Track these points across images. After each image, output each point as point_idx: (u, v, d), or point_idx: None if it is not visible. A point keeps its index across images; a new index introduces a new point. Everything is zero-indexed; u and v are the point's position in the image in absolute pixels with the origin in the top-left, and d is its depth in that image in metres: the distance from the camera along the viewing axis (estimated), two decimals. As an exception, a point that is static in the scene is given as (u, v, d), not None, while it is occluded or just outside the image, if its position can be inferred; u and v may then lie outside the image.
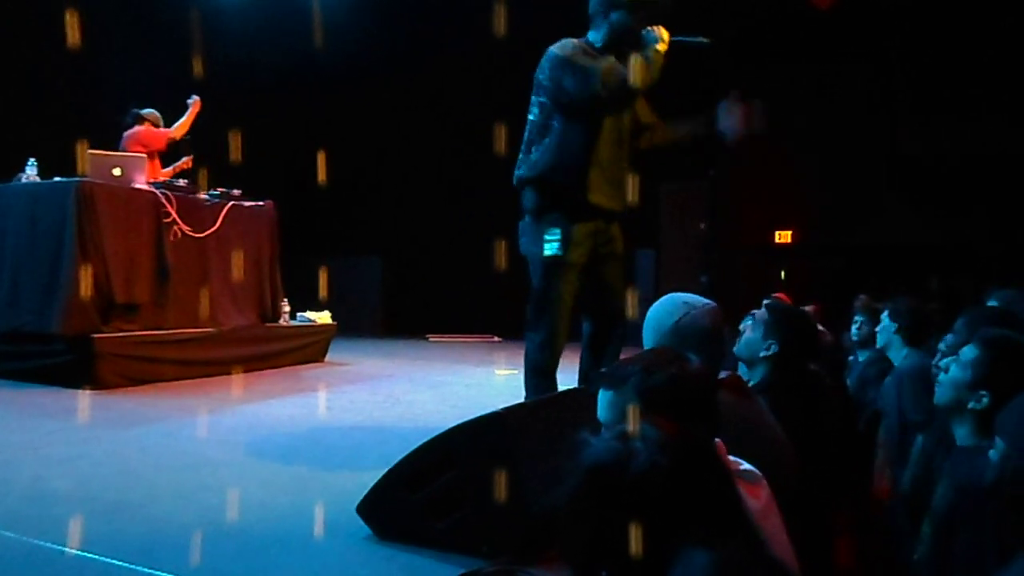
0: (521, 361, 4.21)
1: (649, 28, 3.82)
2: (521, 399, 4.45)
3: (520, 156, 3.98)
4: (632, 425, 1.20)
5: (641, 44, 3.78)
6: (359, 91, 11.26)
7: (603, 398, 1.72)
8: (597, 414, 1.74)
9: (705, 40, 3.96)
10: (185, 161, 7.31)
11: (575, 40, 3.88)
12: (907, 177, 10.17)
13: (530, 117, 3.95)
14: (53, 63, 8.11)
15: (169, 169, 7.19)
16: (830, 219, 10.58)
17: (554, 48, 3.86)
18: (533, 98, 3.95)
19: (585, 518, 1.15)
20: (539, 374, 3.95)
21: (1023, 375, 2.00)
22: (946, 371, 2.19)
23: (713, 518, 1.14)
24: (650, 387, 1.63)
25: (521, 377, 4.51)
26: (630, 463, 1.12)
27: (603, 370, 1.76)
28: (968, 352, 2.14)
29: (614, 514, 1.11)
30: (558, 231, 3.83)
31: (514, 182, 4.01)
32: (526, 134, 3.96)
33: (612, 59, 3.76)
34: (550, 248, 3.83)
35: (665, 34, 3.81)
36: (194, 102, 7.13)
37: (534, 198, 3.89)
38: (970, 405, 2.10)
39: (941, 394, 2.19)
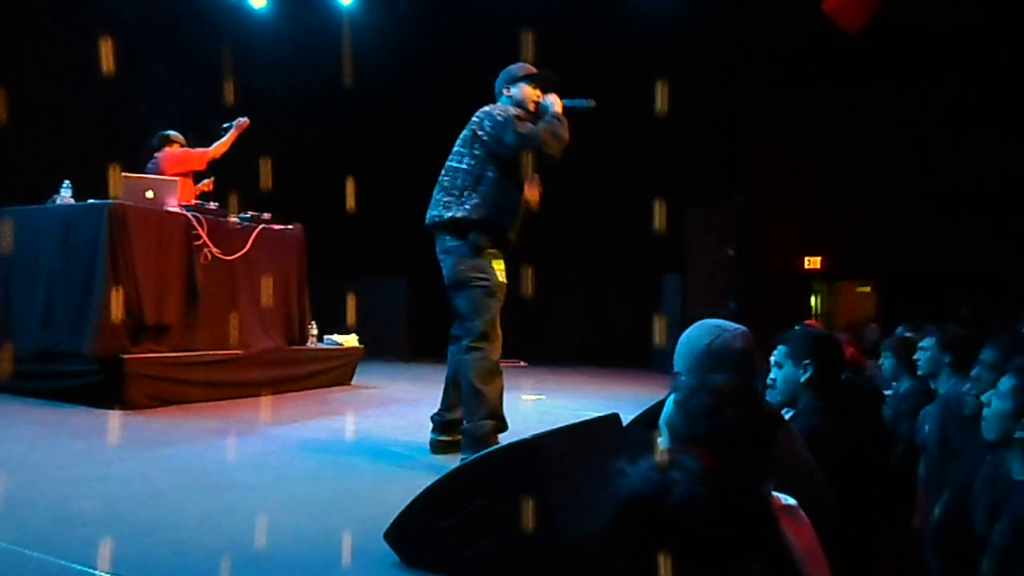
0: (549, 386, 4.34)
1: (543, 97, 4.57)
2: (549, 425, 4.44)
3: (444, 197, 4.53)
4: (668, 456, 1.17)
5: (540, 111, 4.54)
6: (386, 116, 11.35)
7: (669, 405, 1.70)
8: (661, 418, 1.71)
9: (591, 103, 4.60)
10: (206, 183, 7.35)
11: (503, 105, 4.58)
12: (937, 202, 10.06)
13: (461, 166, 4.52)
14: (88, 89, 8.25)
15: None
16: (860, 244, 10.47)
17: (493, 112, 4.51)
18: (462, 149, 4.55)
19: (619, 549, 1.12)
20: (494, 377, 4.45)
21: None
22: (988, 405, 2.17)
23: (752, 554, 1.10)
24: (714, 426, 1.60)
25: (549, 401, 4.56)
26: (668, 494, 1.09)
27: (683, 378, 1.73)
28: (1005, 382, 2.16)
29: (650, 546, 1.07)
30: (501, 264, 4.54)
31: (439, 220, 4.52)
32: (457, 180, 4.51)
33: (541, 125, 4.43)
34: (501, 276, 4.52)
35: (558, 101, 4.53)
36: (239, 123, 7.17)
37: (476, 237, 4.46)
38: (1017, 435, 2.09)
39: (988, 429, 2.18)
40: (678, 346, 2.32)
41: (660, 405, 1.79)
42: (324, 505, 3.48)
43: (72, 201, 6.14)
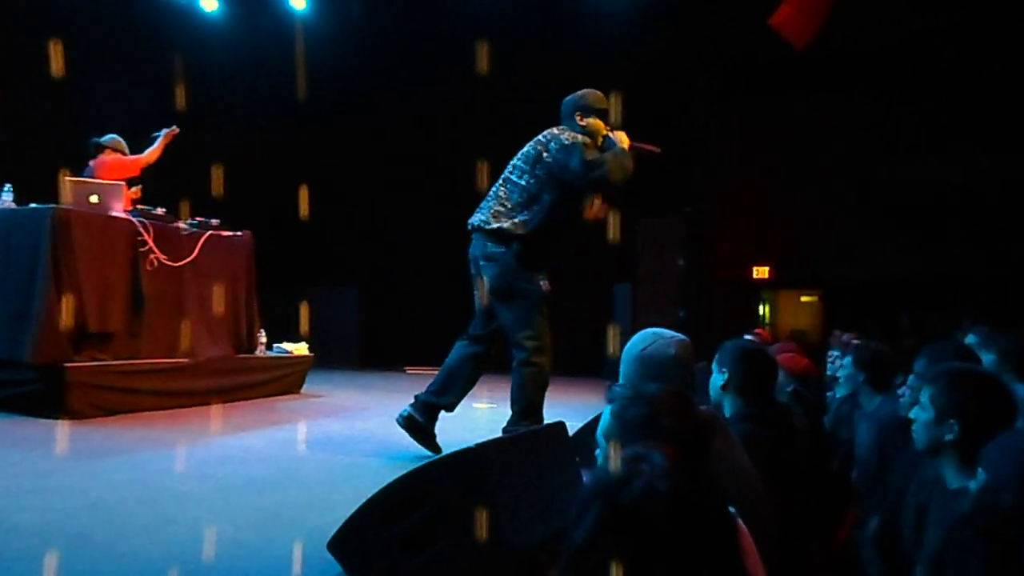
0: (502, 394, 4.75)
1: (610, 132, 4.73)
2: (498, 433, 4.48)
3: (495, 206, 4.69)
4: (643, 451, 1.20)
5: (606, 145, 4.70)
6: (338, 124, 11.29)
7: (605, 417, 1.74)
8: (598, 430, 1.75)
9: (657, 150, 4.81)
10: (134, 191, 7.01)
11: (572, 132, 4.68)
12: (883, 213, 10.32)
13: (520, 182, 4.67)
14: (35, 92, 8.08)
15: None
16: (807, 255, 10.68)
17: (562, 136, 4.62)
18: (524, 166, 4.68)
19: (583, 531, 1.14)
20: (545, 387, 4.67)
21: (978, 397, 2.15)
22: (916, 420, 2.25)
23: (705, 552, 1.13)
24: (651, 435, 1.64)
25: (501, 410, 4.63)
26: (630, 485, 1.12)
27: (618, 391, 1.78)
28: (925, 393, 2.25)
29: (609, 533, 1.10)
30: (544, 273, 4.71)
31: (484, 226, 4.67)
32: (514, 194, 4.67)
33: (609, 155, 4.60)
34: (544, 285, 4.70)
35: (625, 139, 4.70)
36: (168, 132, 7.06)
37: (519, 247, 4.60)
38: (946, 438, 2.17)
39: (918, 439, 2.26)
40: (621, 355, 2.38)
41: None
42: (269, 515, 3.45)
43: (13, 205, 6.00)
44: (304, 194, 9.02)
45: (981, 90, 9.44)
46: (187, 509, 3.49)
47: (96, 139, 7.00)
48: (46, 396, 5.38)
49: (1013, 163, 9.56)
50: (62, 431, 5.04)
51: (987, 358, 3.48)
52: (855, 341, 5.47)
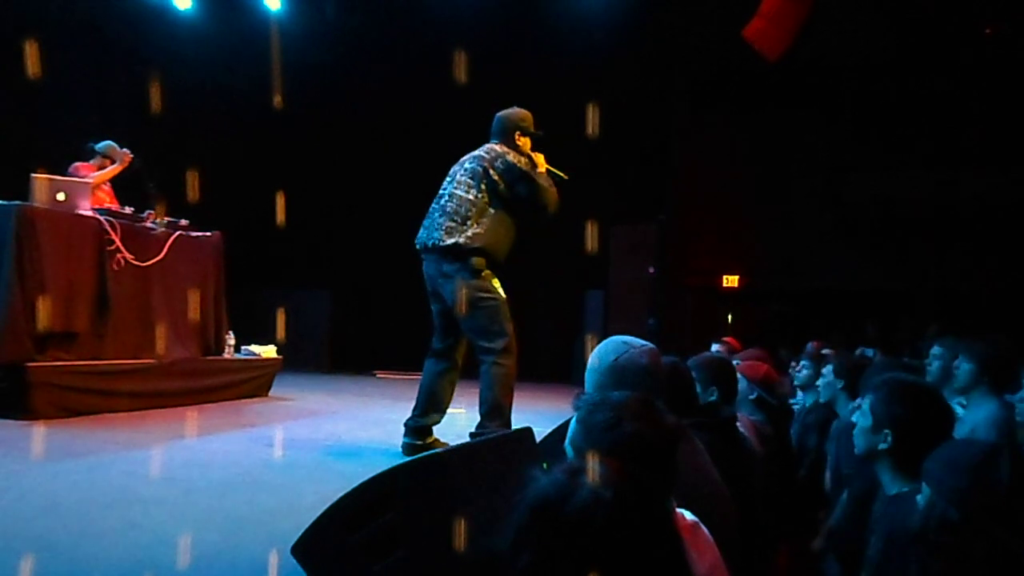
0: (472, 400, 4.90)
1: (531, 154, 5.03)
2: (465, 438, 4.48)
3: (445, 222, 4.86)
4: (583, 463, 1.20)
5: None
6: (313, 126, 11.24)
7: (573, 426, 1.76)
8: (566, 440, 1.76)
9: (565, 176, 5.13)
10: (125, 158, 6.91)
11: (516, 153, 4.98)
12: (852, 224, 10.44)
13: (468, 196, 4.86)
14: (5, 90, 7.95)
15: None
16: (776, 265, 10.77)
17: (508, 157, 4.89)
18: (470, 180, 4.89)
19: (526, 552, 1.13)
20: (513, 389, 4.86)
21: (914, 410, 2.21)
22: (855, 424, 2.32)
23: (652, 559, 1.13)
24: (616, 439, 1.64)
25: (472, 415, 4.67)
26: (573, 496, 1.11)
27: (585, 398, 1.79)
28: (866, 401, 2.33)
29: (554, 549, 1.09)
30: (497, 281, 4.91)
31: (438, 243, 4.85)
32: (462, 208, 4.85)
33: (553, 189, 4.98)
34: (502, 292, 4.89)
35: (543, 162, 5.04)
36: (124, 158, 6.88)
37: (474, 260, 4.81)
38: (880, 447, 2.23)
39: (857, 444, 2.34)
40: (589, 361, 2.37)
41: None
42: (232, 519, 3.42)
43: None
44: (278, 196, 8.97)
45: (951, 106, 9.59)
46: (151, 513, 3.44)
47: (92, 144, 6.89)
48: (8, 396, 5.29)
49: (981, 177, 9.72)
50: (23, 432, 4.97)
51: (964, 367, 3.45)
52: (824, 351, 5.52)
